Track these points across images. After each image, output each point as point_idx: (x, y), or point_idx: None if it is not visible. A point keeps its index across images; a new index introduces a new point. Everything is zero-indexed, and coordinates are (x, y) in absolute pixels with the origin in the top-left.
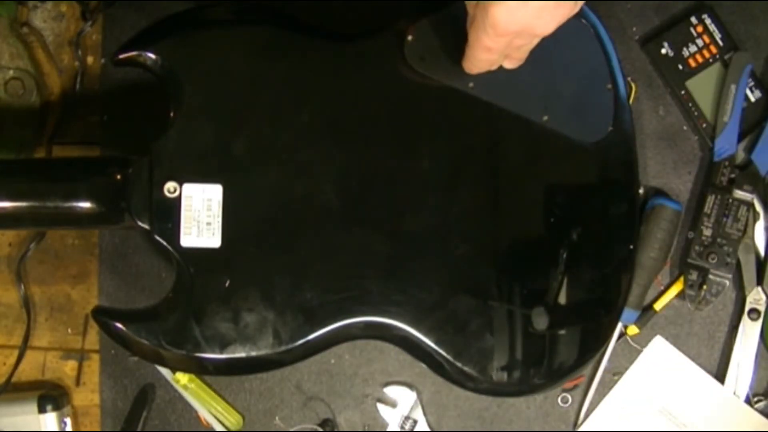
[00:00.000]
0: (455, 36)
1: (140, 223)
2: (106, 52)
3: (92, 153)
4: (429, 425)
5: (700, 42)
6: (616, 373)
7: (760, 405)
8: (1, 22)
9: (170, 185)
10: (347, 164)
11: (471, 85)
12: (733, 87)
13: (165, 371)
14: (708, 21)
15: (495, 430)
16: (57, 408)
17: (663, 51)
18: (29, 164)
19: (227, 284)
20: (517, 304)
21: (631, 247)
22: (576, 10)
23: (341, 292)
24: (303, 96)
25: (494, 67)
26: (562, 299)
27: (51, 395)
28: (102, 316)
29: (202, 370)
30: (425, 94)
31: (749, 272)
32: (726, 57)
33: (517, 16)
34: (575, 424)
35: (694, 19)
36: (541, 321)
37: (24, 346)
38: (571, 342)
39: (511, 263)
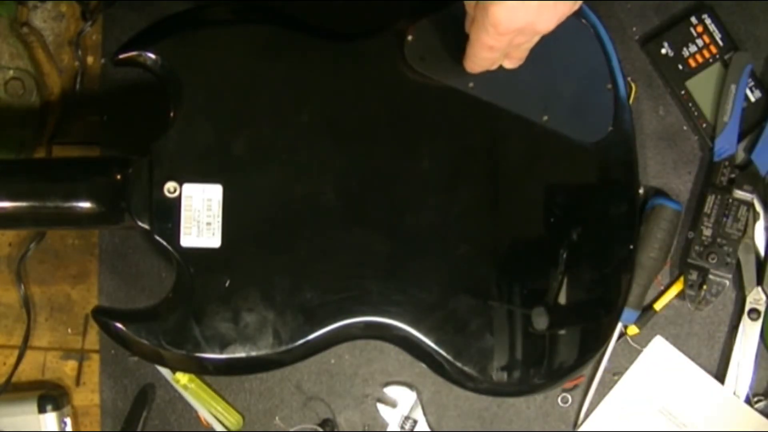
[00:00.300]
0: (455, 36)
1: (140, 223)
2: (106, 52)
3: (92, 153)
4: (429, 425)
5: (700, 42)
6: (616, 373)
7: (760, 405)
8: (1, 22)
9: (170, 185)
10: (347, 164)
11: (471, 85)
12: (733, 87)
13: (165, 371)
14: (708, 21)
15: (495, 430)
16: (57, 408)
17: (663, 51)
18: (29, 164)
19: (227, 284)
20: (517, 304)
21: (631, 247)
22: (576, 6)
23: (341, 292)
24: (303, 96)
25: (495, 66)
26: (562, 299)
27: (51, 395)
28: (102, 316)
29: (202, 370)
30: (425, 94)
31: (749, 272)
32: (726, 57)
33: (518, 14)
34: (575, 424)
35: (694, 19)
36: (541, 321)
37: (24, 346)
38: (571, 342)
39: (511, 263)
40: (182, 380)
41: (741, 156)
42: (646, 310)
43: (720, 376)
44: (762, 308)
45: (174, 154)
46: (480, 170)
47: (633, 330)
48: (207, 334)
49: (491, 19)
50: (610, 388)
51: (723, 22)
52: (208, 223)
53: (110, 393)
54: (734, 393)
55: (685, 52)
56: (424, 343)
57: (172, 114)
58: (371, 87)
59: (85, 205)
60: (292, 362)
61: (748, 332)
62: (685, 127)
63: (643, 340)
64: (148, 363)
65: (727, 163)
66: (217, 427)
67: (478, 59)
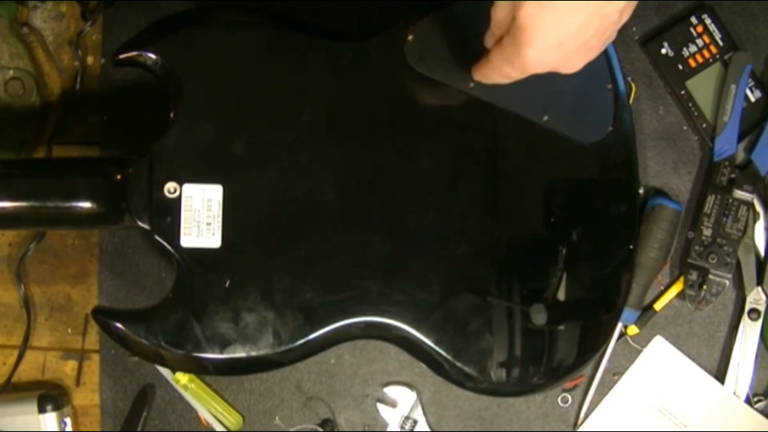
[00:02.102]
0: (456, 36)
1: (140, 223)
2: (106, 52)
3: (92, 153)
4: (429, 425)
5: (700, 42)
6: (616, 373)
7: (760, 405)
8: (1, 22)
9: (170, 185)
10: (347, 164)
11: (471, 85)
12: (733, 87)
13: (165, 371)
14: (708, 21)
15: (495, 430)
16: (57, 408)
17: (663, 51)
18: (29, 164)
19: (227, 284)
20: (517, 305)
21: (631, 247)
22: (600, 52)
23: (341, 292)
24: (303, 96)
25: None
26: (562, 299)
27: (51, 395)
28: (102, 316)
29: (202, 370)
30: (425, 93)
31: (749, 272)
32: (726, 57)
33: (549, 60)
34: (575, 424)
35: (694, 19)
36: (539, 317)
37: (24, 346)
38: (571, 342)
39: (511, 264)
40: (182, 380)
41: (741, 156)
42: (646, 310)
43: (720, 376)
44: (762, 308)
45: (174, 154)
46: (480, 170)
47: (633, 330)
48: (207, 334)
49: (522, 57)
50: (610, 388)
51: (723, 22)
52: (208, 223)
53: (110, 393)
54: (734, 393)
55: (685, 52)
56: (424, 343)
57: (172, 114)
58: (371, 87)
59: (85, 205)
60: (292, 362)
61: (748, 332)
62: (685, 127)
63: (643, 340)
64: (148, 363)
65: (727, 163)
66: (217, 427)
67: (491, 79)
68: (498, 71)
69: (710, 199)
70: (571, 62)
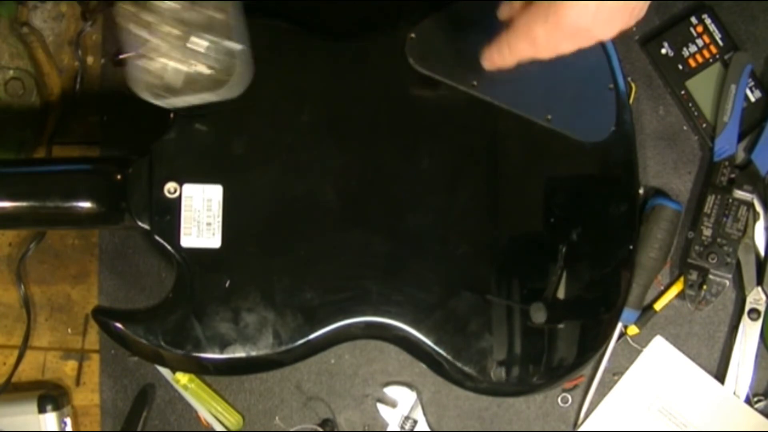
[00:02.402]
0: (457, 35)
1: (140, 223)
2: (106, 52)
3: (92, 153)
4: (429, 425)
5: (700, 42)
6: (616, 373)
7: (760, 405)
8: (1, 22)
9: (170, 185)
10: (347, 164)
11: (474, 83)
12: (733, 87)
13: (165, 371)
14: (708, 21)
15: (495, 430)
16: (57, 408)
17: (663, 51)
18: (29, 164)
19: (227, 284)
20: (517, 304)
21: (631, 247)
22: (633, 23)
23: (341, 292)
24: (303, 96)
25: (512, 65)
26: (562, 298)
27: (51, 395)
28: (102, 316)
29: (202, 370)
30: (426, 93)
31: (749, 272)
32: (726, 57)
33: (587, 18)
34: (575, 424)
35: (694, 19)
36: (539, 315)
37: (24, 346)
38: (571, 342)
39: (511, 264)
40: (182, 380)
41: (741, 156)
42: (646, 310)
43: (720, 376)
44: (762, 308)
45: (174, 154)
46: (481, 170)
47: (633, 330)
48: (207, 334)
49: (558, 13)
50: (610, 388)
51: (723, 22)
52: (208, 224)
53: (110, 393)
54: (734, 393)
55: (685, 52)
56: (423, 343)
57: (172, 114)
58: (372, 87)
59: (85, 205)
60: (292, 362)
61: (748, 332)
62: (685, 127)
63: (643, 340)
64: (148, 363)
65: (727, 163)
66: (217, 427)
67: (509, 52)
68: (523, 35)
69: (710, 199)
70: (608, 25)
